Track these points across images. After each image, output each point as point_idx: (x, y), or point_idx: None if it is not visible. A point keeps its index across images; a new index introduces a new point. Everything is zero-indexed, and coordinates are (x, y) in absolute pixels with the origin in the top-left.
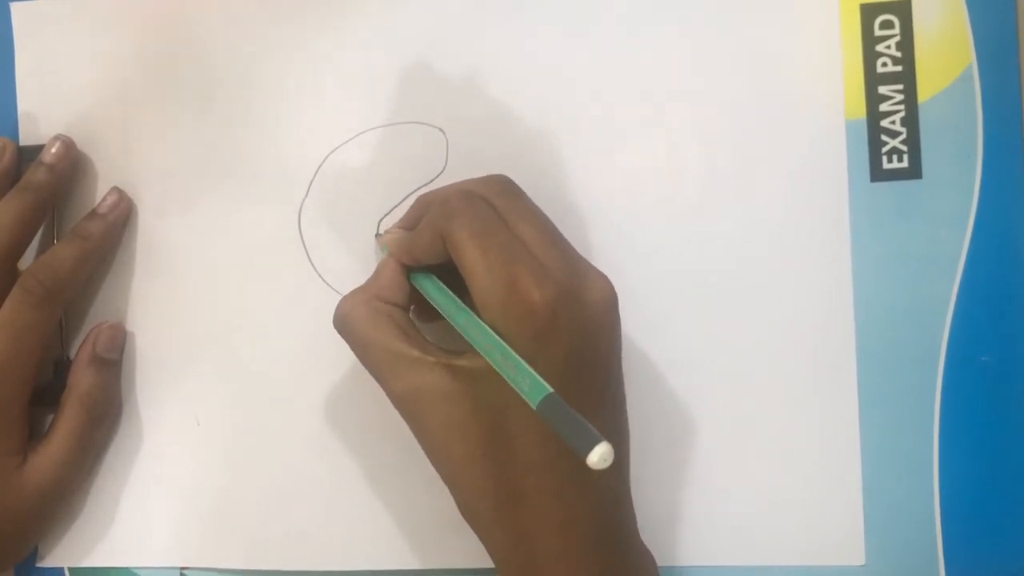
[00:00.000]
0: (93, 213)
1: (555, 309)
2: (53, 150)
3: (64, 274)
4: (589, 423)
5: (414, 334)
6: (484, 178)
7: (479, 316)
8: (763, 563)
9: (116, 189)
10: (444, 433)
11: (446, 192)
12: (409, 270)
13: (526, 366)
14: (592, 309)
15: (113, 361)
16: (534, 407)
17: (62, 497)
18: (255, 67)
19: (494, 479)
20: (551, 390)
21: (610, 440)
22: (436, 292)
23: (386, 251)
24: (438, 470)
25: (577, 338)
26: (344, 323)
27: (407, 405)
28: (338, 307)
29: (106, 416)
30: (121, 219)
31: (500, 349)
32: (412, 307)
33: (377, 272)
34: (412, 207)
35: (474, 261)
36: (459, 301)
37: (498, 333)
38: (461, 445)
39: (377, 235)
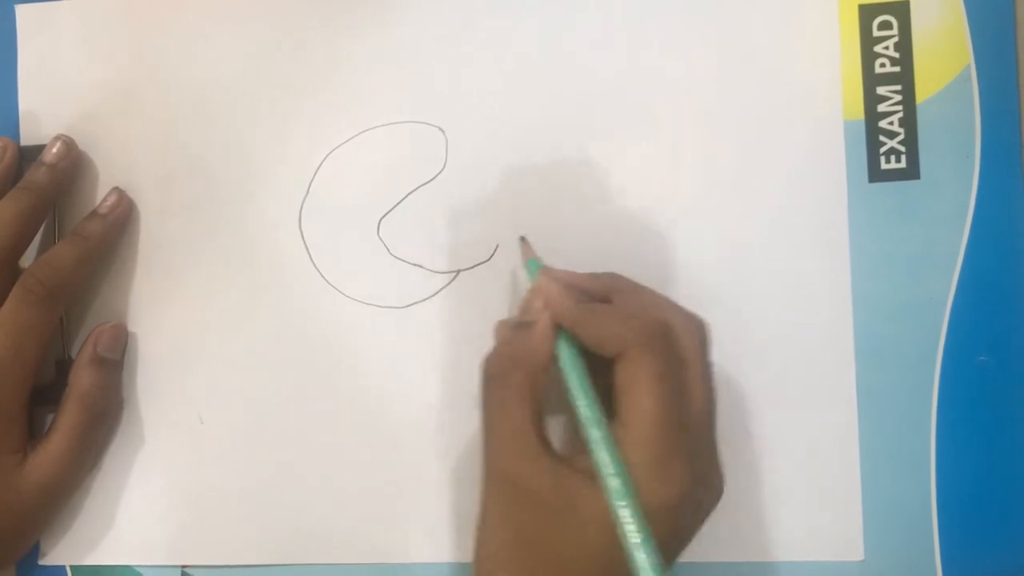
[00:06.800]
0: (94, 213)
1: (685, 500)
2: (54, 150)
3: (65, 274)
4: None
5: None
6: (692, 318)
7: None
8: (764, 559)
9: (116, 189)
10: (513, 534)
11: (651, 308)
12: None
13: (650, 540)
14: (704, 511)
15: (114, 361)
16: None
17: (61, 495)
18: (255, 67)
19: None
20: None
21: None
22: (578, 387)
23: (533, 267)
24: (479, 547)
25: (680, 525)
26: (494, 382)
27: (496, 485)
28: (491, 361)
29: (106, 415)
30: (121, 219)
31: (631, 512)
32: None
33: (531, 329)
34: (599, 276)
35: (644, 403)
36: (601, 413)
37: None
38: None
39: (523, 239)
